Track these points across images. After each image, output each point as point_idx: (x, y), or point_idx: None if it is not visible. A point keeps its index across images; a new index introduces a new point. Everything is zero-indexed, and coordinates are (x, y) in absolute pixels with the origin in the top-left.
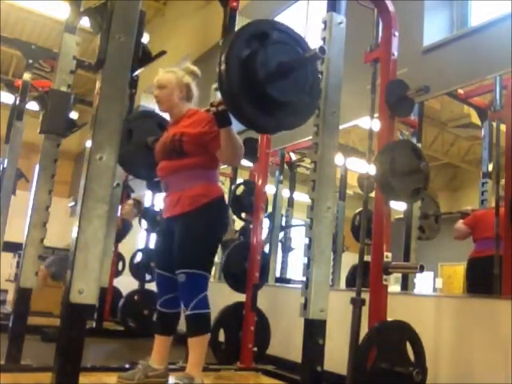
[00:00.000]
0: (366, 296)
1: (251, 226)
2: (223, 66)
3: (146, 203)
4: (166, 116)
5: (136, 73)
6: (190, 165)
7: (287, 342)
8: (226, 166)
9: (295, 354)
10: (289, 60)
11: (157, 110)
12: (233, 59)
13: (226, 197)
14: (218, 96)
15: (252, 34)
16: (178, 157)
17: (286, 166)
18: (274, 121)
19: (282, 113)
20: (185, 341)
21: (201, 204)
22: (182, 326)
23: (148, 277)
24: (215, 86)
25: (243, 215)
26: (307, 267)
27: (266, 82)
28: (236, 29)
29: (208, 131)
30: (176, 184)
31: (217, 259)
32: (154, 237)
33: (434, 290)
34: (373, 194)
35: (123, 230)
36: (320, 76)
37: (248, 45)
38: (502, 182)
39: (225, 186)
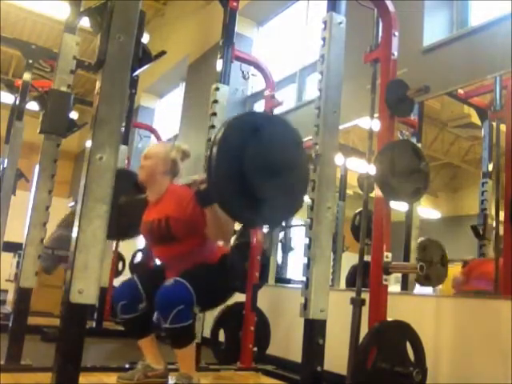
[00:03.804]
0: (366, 296)
1: None
2: (214, 158)
3: None
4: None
5: (136, 73)
6: (186, 251)
7: (287, 342)
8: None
9: (295, 354)
10: (283, 161)
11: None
12: (223, 150)
13: None
14: (218, 97)
15: (246, 126)
16: (170, 241)
17: None
18: (258, 217)
19: (266, 209)
20: None
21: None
22: None
23: None
24: (215, 85)
25: None
26: (307, 267)
27: (254, 179)
28: (236, 29)
29: (192, 212)
30: (176, 265)
31: None
32: None
33: (434, 290)
34: (373, 194)
35: None
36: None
37: (241, 137)
38: None
39: None
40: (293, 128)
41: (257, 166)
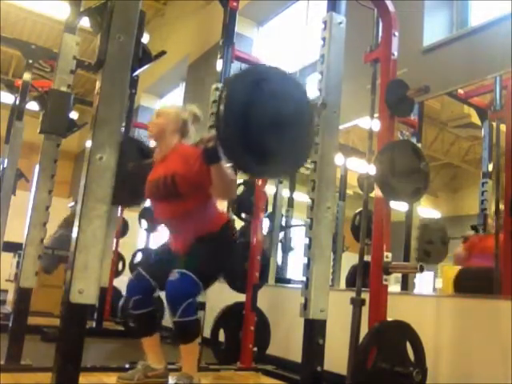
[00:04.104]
0: (366, 296)
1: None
2: (221, 114)
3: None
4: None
5: (136, 73)
6: (190, 209)
7: (287, 342)
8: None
9: (295, 354)
10: (287, 113)
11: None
12: (231, 103)
13: None
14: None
15: (252, 79)
16: (175, 198)
17: None
18: (264, 168)
19: (274, 162)
20: None
21: (206, 233)
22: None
23: None
24: (215, 85)
25: (243, 215)
26: (307, 267)
27: (261, 132)
28: (236, 29)
29: (198, 170)
30: (178, 227)
31: None
32: (153, 236)
33: (434, 289)
34: (373, 194)
35: None
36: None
37: (248, 90)
38: None
39: None
40: (296, 79)
41: (262, 118)
